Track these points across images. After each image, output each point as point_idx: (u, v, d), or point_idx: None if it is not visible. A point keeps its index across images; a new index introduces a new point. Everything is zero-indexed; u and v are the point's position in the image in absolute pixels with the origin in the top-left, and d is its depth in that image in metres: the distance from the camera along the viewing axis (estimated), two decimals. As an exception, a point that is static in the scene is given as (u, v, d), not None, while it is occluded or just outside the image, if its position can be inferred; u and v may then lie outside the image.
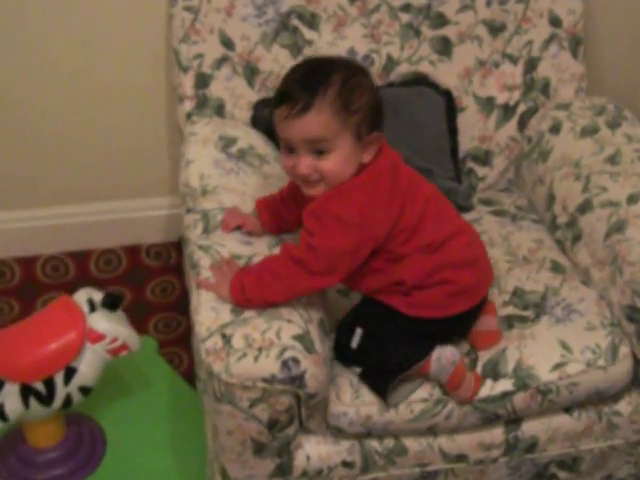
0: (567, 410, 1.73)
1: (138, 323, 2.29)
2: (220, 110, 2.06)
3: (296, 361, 1.51)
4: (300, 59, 2.04)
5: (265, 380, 1.51)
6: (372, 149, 1.55)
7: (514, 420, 1.71)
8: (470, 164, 2.17)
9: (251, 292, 1.56)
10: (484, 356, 1.69)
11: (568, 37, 2.12)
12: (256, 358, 1.50)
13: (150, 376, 2.22)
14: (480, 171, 2.17)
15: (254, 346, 1.51)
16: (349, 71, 1.52)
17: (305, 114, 1.47)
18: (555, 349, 1.69)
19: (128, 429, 2.09)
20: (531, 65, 2.13)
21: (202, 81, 2.04)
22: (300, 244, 1.56)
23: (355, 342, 1.64)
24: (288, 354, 1.51)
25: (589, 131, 2.00)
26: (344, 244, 1.53)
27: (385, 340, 1.64)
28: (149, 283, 2.50)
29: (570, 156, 1.97)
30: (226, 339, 1.52)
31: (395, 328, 1.63)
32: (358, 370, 1.66)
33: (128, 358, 1.95)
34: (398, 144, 2.04)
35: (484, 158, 2.16)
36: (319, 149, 1.50)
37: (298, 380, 1.52)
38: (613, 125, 2.00)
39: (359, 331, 1.64)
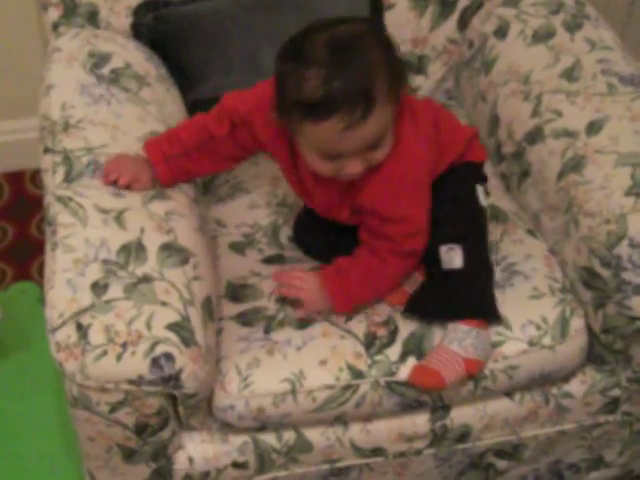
0: (507, 393, 1.42)
1: (19, 265, 1.99)
2: (93, 18, 1.66)
3: (169, 358, 1.20)
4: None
5: (131, 382, 1.21)
6: None
7: (442, 407, 1.41)
8: (401, 72, 1.79)
9: (361, 299, 1.38)
10: (404, 329, 1.38)
11: None
12: (119, 357, 1.20)
13: (31, 334, 1.86)
14: (414, 81, 1.80)
15: (117, 341, 1.20)
16: (377, 36, 1.22)
17: (367, 119, 1.17)
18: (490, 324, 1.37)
19: (5, 405, 1.77)
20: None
21: (69, -18, 1.64)
22: (389, 240, 1.32)
23: (458, 260, 1.34)
24: (160, 349, 1.20)
25: (542, 36, 1.62)
26: (427, 202, 1.33)
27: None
28: (35, 216, 2.12)
29: (518, 68, 1.60)
30: (82, 331, 1.20)
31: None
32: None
33: (4, 310, 1.64)
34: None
35: (418, 65, 1.79)
36: (374, 145, 1.23)
37: (173, 380, 1.22)
38: (572, 27, 1.62)
39: (448, 249, 1.35)
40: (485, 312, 1.35)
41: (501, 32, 1.67)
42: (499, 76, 1.63)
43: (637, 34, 2.03)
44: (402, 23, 1.75)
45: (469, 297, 1.35)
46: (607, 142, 1.42)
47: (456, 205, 1.37)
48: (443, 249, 1.34)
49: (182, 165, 1.41)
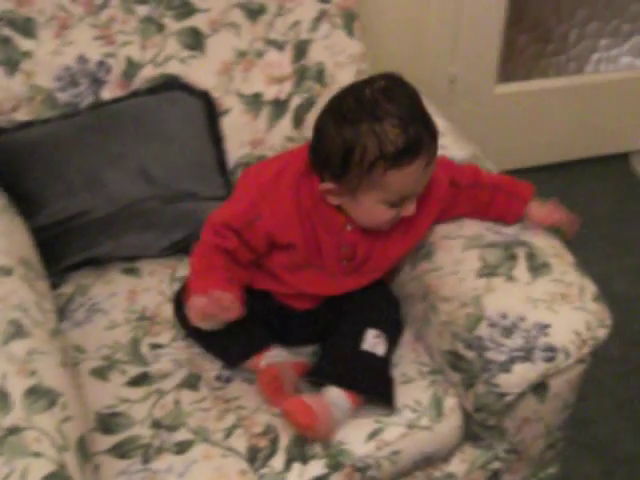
0: (392, 482, 1.44)
1: None
2: None
3: (50, 513, 1.15)
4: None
5: None
6: None
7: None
8: (244, 175, 1.81)
9: None
10: (284, 435, 1.37)
11: (340, 13, 1.80)
12: (-8, 523, 1.13)
13: None
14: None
15: (-11, 506, 1.13)
16: (400, 78, 1.29)
17: (436, 149, 1.28)
18: (367, 413, 1.39)
19: None
20: (301, 50, 1.79)
21: None
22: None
23: (382, 348, 1.39)
24: (38, 507, 1.14)
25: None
26: None
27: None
28: None
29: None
30: (-50, 501, 1.13)
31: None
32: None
33: None
34: (151, 166, 1.69)
35: (261, 167, 1.81)
36: None
37: (53, 536, 1.16)
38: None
39: (377, 334, 1.40)
40: (387, 398, 1.38)
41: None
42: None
43: (459, 112, 2.15)
44: (239, 127, 1.78)
45: (378, 381, 1.39)
46: (453, 227, 1.48)
47: (386, 295, 1.46)
48: (372, 333, 1.38)
49: (242, 280, 1.39)
